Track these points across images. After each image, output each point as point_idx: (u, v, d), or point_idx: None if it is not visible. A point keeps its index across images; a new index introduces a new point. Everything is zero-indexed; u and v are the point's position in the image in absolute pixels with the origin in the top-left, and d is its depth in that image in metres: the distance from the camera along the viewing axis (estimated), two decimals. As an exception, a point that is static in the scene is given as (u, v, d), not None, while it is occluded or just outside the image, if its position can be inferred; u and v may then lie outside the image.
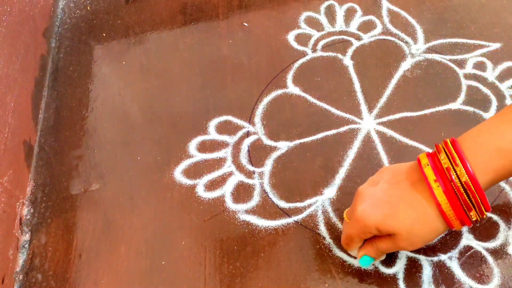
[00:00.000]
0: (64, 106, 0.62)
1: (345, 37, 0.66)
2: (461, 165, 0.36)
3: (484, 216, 0.38)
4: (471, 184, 0.36)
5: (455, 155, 0.37)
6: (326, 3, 0.70)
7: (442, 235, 0.46)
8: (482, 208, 0.37)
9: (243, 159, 0.55)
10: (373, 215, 0.40)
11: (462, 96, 0.58)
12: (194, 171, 0.54)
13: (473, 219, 0.38)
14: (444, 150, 0.38)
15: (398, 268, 0.46)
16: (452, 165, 0.37)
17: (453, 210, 0.38)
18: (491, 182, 0.38)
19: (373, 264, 0.46)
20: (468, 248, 0.47)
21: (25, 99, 0.58)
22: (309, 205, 0.51)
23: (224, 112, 0.59)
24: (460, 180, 0.37)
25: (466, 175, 0.36)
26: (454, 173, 0.37)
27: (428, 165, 0.38)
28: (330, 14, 0.69)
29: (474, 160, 0.37)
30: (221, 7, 0.71)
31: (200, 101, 0.60)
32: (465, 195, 0.37)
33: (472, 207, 0.37)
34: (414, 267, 0.46)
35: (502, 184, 0.51)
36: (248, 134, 0.57)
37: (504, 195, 0.50)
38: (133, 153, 0.57)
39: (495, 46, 0.63)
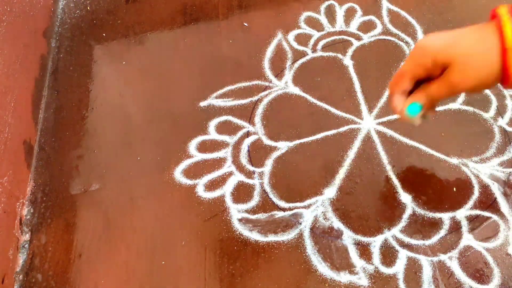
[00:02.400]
0: (64, 106, 0.62)
1: (345, 37, 0.66)
2: None
3: None
4: None
5: None
6: (326, 3, 0.70)
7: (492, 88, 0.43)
8: None
9: (243, 159, 0.55)
10: (433, 42, 0.38)
11: (462, 96, 0.58)
12: (194, 171, 0.54)
13: None
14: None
15: (398, 268, 0.46)
16: None
17: None
18: None
19: (421, 116, 0.42)
20: (468, 248, 0.47)
21: (25, 99, 0.58)
22: (309, 205, 0.51)
23: (224, 112, 0.59)
24: None
25: None
26: None
27: (505, 6, 0.37)
28: (330, 14, 0.69)
29: None
30: (221, 7, 0.71)
31: (200, 100, 0.60)
32: None
33: None
34: (414, 267, 0.46)
35: (502, 185, 0.51)
36: (248, 134, 0.57)
37: (504, 195, 0.50)
38: (133, 153, 0.57)
39: (495, 46, 0.63)
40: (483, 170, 0.52)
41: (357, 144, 0.55)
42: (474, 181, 0.51)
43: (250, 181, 0.53)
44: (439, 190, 0.51)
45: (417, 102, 0.40)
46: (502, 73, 0.37)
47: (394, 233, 0.49)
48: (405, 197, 0.51)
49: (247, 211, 0.51)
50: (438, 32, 0.39)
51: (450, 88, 0.39)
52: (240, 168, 0.54)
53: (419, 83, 0.41)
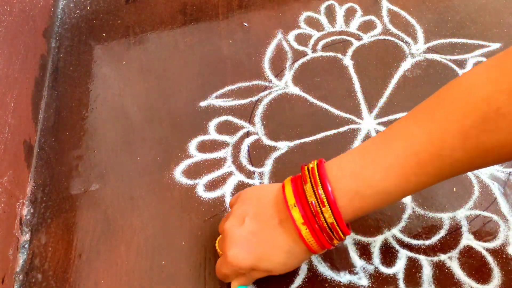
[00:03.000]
0: (64, 106, 0.62)
1: (345, 37, 0.66)
2: (328, 207, 0.37)
3: (344, 240, 0.40)
4: (337, 226, 0.38)
5: (324, 197, 0.37)
6: (326, 3, 0.70)
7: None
8: (342, 236, 0.39)
9: (243, 159, 0.55)
10: (245, 260, 0.40)
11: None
12: (194, 171, 0.54)
13: (335, 244, 0.40)
14: (310, 182, 0.38)
15: (398, 268, 0.46)
16: (320, 207, 0.37)
17: (318, 244, 0.39)
18: (351, 219, 0.39)
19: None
20: (468, 248, 0.47)
21: (25, 99, 0.58)
22: (309, 205, 0.51)
23: (224, 112, 0.59)
24: (326, 221, 0.38)
25: (334, 218, 0.37)
26: (322, 216, 0.37)
27: (295, 206, 0.38)
28: (330, 14, 0.69)
29: (339, 202, 0.37)
30: (221, 7, 0.71)
31: (200, 100, 0.60)
32: (330, 231, 0.38)
33: (335, 238, 0.39)
34: (414, 267, 0.46)
35: (502, 185, 0.51)
36: (248, 134, 0.57)
37: (504, 195, 0.50)
38: (133, 153, 0.57)
39: (495, 46, 0.63)
40: (483, 170, 0.52)
41: (357, 144, 0.55)
42: (474, 181, 0.51)
43: (250, 181, 0.53)
44: (439, 190, 0.51)
45: (242, 286, 0.44)
46: (313, 254, 0.41)
47: (394, 233, 0.49)
48: (405, 197, 0.51)
49: (247, 211, 0.51)
50: (243, 236, 0.41)
51: (270, 274, 0.42)
52: (240, 168, 0.54)
53: None
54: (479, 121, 0.32)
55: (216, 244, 0.46)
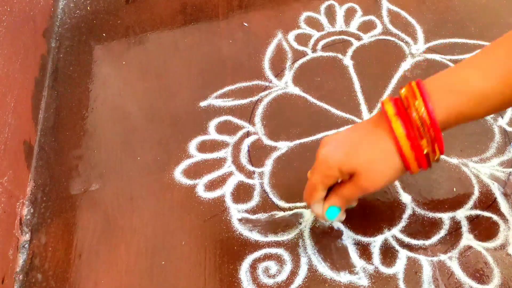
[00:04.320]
0: (64, 106, 0.62)
1: (345, 37, 0.66)
2: (420, 98, 0.37)
3: (437, 156, 0.39)
4: (427, 119, 0.37)
5: (416, 89, 0.37)
6: (326, 3, 0.70)
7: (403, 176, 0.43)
8: (436, 147, 0.38)
9: (243, 159, 0.55)
10: (335, 155, 0.40)
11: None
12: (194, 171, 0.54)
13: (425, 152, 0.38)
14: (406, 88, 0.39)
15: (398, 268, 0.46)
16: (412, 99, 0.37)
17: (408, 138, 0.38)
18: (445, 121, 0.38)
19: (340, 220, 0.46)
20: (468, 248, 0.47)
21: (25, 99, 0.58)
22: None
23: (224, 112, 0.59)
24: (418, 114, 0.37)
25: (424, 108, 0.37)
26: (413, 107, 0.37)
27: (389, 101, 0.39)
28: (330, 14, 0.69)
29: (432, 96, 0.37)
30: (221, 7, 0.71)
31: (200, 100, 0.60)
32: (421, 127, 0.37)
33: (425, 138, 0.38)
34: (414, 267, 0.46)
35: (502, 184, 0.51)
36: (248, 134, 0.57)
37: (504, 195, 0.50)
38: (133, 153, 0.57)
39: (495, 46, 0.63)
40: (483, 170, 0.52)
41: (357, 144, 0.55)
42: (474, 181, 0.51)
43: (250, 181, 0.53)
44: (439, 190, 0.51)
45: (334, 206, 0.42)
46: (406, 168, 0.40)
47: (394, 233, 0.49)
48: (405, 197, 0.51)
49: (247, 211, 0.51)
50: (335, 137, 0.42)
51: (361, 191, 0.41)
52: (240, 168, 0.54)
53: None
54: None
55: (308, 173, 0.44)
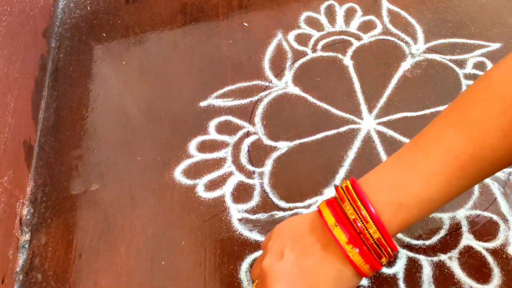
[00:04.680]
0: (64, 106, 0.62)
1: (345, 37, 0.66)
2: (372, 223, 0.35)
3: (393, 257, 0.38)
4: (383, 241, 0.35)
5: (366, 213, 0.35)
6: (326, 3, 0.70)
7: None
8: (391, 252, 0.37)
9: (243, 159, 0.55)
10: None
11: (462, 96, 0.58)
12: (194, 171, 0.54)
13: (384, 264, 0.37)
14: (348, 200, 0.36)
15: (398, 268, 0.46)
16: (364, 223, 0.35)
17: (367, 263, 0.36)
18: (396, 233, 0.37)
19: None
20: (468, 248, 0.47)
21: (25, 99, 0.58)
22: (309, 205, 0.51)
23: (224, 112, 0.59)
24: (372, 238, 0.35)
25: (379, 233, 0.35)
26: (367, 232, 0.35)
27: (336, 225, 0.36)
28: (330, 14, 0.69)
29: (382, 217, 0.35)
30: (221, 7, 0.71)
31: (200, 100, 0.60)
32: (378, 248, 0.36)
33: (383, 255, 0.37)
34: (414, 267, 0.46)
35: (502, 184, 0.51)
36: (248, 134, 0.57)
37: (504, 195, 0.50)
38: (133, 153, 0.57)
39: (495, 46, 0.63)
40: (483, 170, 0.52)
41: (357, 144, 0.55)
42: (474, 181, 0.51)
43: (250, 181, 0.53)
44: (439, 190, 0.51)
45: None
46: (364, 277, 0.38)
47: (394, 233, 0.49)
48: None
49: (247, 211, 0.51)
50: (286, 277, 0.37)
51: None
52: (240, 168, 0.54)
53: None
54: None
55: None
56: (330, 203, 0.38)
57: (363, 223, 0.35)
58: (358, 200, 0.35)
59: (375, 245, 0.36)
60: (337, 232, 0.36)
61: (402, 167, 0.36)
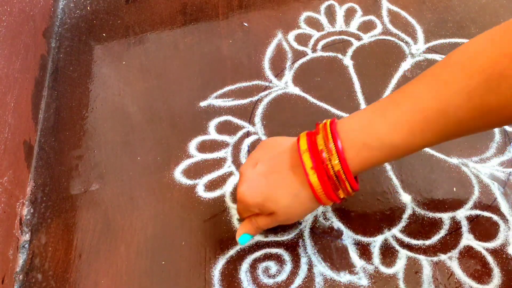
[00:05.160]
0: (64, 106, 0.62)
1: (345, 37, 0.66)
2: (336, 156, 0.39)
3: (352, 194, 0.41)
4: (343, 174, 0.39)
5: (333, 146, 0.39)
6: (326, 3, 0.70)
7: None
8: (350, 189, 0.40)
9: (243, 159, 0.55)
10: (252, 197, 0.42)
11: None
12: (194, 171, 0.55)
13: (341, 197, 0.41)
14: (322, 133, 0.40)
15: (398, 268, 0.46)
16: (328, 155, 0.39)
17: (324, 191, 0.40)
18: (358, 171, 0.40)
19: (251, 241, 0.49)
20: (468, 248, 0.47)
21: (25, 99, 0.58)
22: (309, 205, 0.51)
23: (224, 112, 0.59)
24: (333, 169, 0.39)
25: (340, 166, 0.39)
26: (330, 164, 0.39)
27: (306, 151, 0.40)
28: (330, 14, 0.69)
29: (347, 153, 0.39)
30: (221, 7, 0.71)
31: (200, 100, 0.60)
32: (336, 180, 0.40)
33: (340, 188, 0.40)
34: (414, 267, 0.46)
35: (502, 184, 0.51)
36: (248, 134, 0.57)
37: (504, 195, 0.50)
38: (133, 153, 0.57)
39: (495, 46, 0.63)
40: (483, 170, 0.52)
41: (357, 144, 0.55)
42: (474, 181, 0.51)
43: (250, 181, 0.53)
44: (439, 190, 0.51)
45: (246, 235, 0.46)
46: (320, 204, 0.43)
47: (394, 233, 0.49)
48: (405, 197, 0.51)
49: (247, 211, 0.51)
50: (251, 175, 0.43)
51: (277, 223, 0.45)
52: (240, 168, 0.54)
53: None
54: (483, 83, 0.34)
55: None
56: (309, 133, 0.42)
57: (328, 154, 0.39)
58: (330, 135, 0.39)
59: (334, 177, 0.39)
60: (305, 157, 0.40)
61: (373, 113, 0.40)
